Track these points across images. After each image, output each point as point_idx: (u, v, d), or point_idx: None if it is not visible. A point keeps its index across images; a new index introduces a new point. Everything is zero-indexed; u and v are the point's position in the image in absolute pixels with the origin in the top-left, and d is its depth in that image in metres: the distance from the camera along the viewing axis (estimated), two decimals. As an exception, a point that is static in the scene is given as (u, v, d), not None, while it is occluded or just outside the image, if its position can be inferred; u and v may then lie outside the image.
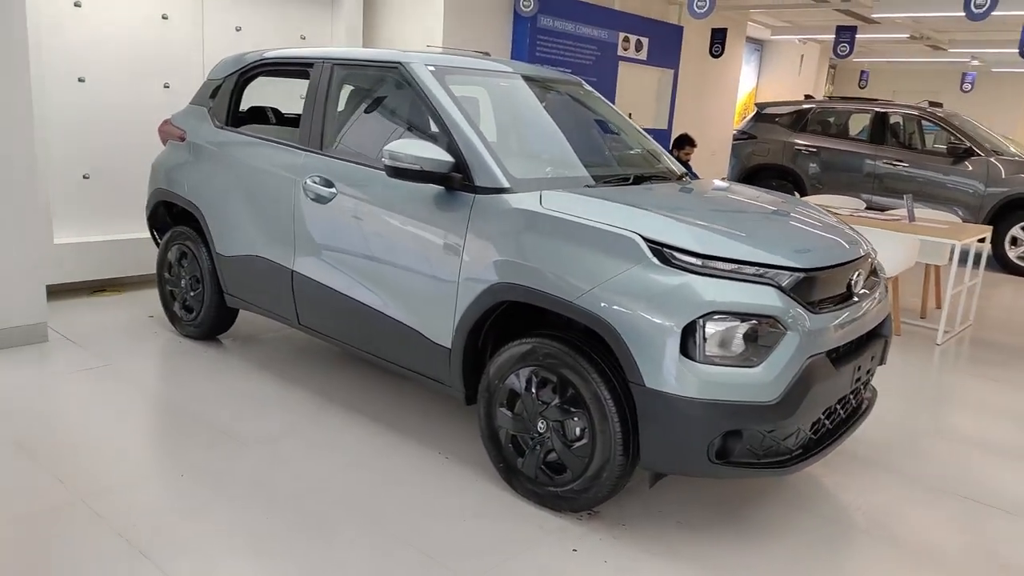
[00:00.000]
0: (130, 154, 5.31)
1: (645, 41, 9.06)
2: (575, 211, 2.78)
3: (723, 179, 8.43)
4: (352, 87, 3.89)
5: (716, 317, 2.48)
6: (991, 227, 6.71)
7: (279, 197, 3.75)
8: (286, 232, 3.73)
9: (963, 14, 6.95)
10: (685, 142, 8.36)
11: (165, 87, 5.50)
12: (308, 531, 2.69)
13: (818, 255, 2.79)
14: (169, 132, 4.49)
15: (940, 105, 10.00)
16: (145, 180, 4.68)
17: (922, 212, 6.52)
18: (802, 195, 8.82)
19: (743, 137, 10.98)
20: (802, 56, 15.43)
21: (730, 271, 2.56)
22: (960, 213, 8.39)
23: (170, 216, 4.62)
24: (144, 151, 4.89)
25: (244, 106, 4.41)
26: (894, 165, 9.50)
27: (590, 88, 4.27)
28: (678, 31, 9.65)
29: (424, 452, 3.32)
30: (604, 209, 2.77)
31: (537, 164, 3.48)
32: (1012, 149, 9.34)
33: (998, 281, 8.13)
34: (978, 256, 5.98)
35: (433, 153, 3.00)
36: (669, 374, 2.48)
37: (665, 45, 9.44)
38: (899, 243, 5.36)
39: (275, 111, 4.64)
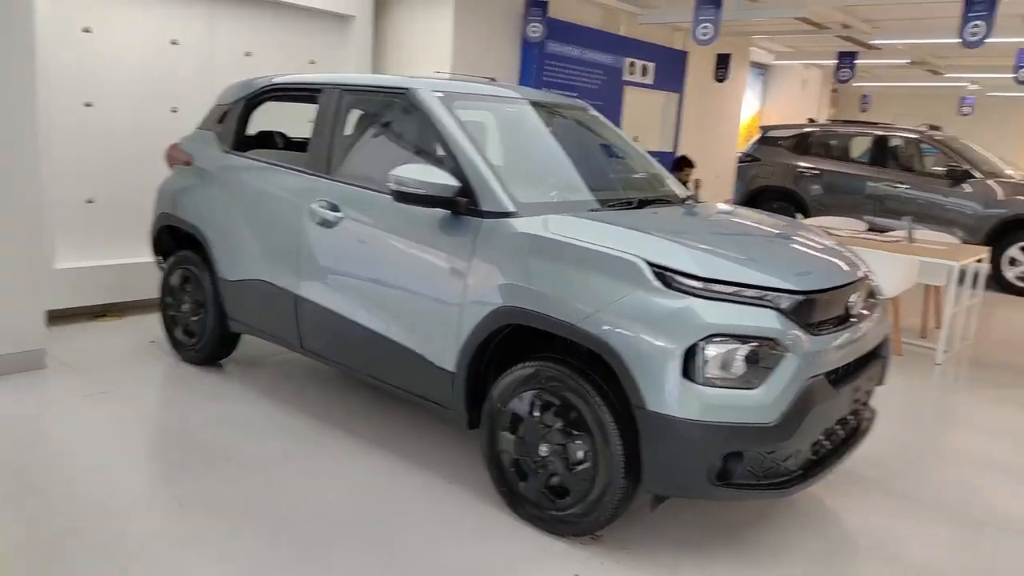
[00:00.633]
0: (135, 179, 5.27)
1: (651, 66, 9.16)
2: (579, 235, 2.81)
3: (726, 202, 8.53)
4: (360, 112, 3.94)
5: (717, 339, 2.51)
6: (989, 247, 6.74)
7: (285, 221, 3.78)
8: (291, 256, 3.74)
9: (959, 40, 7.03)
10: (683, 163, 8.68)
11: (172, 111, 5.52)
12: (310, 557, 2.69)
13: (817, 278, 2.83)
14: (176, 156, 4.51)
15: (939, 128, 10.09)
16: (149, 205, 4.66)
17: (921, 233, 6.56)
18: (806, 217, 8.88)
19: (747, 160, 11.08)
20: (804, 80, 15.55)
21: (731, 294, 2.60)
22: (959, 234, 8.44)
23: (175, 240, 4.57)
24: (149, 176, 4.85)
25: (251, 130, 4.45)
26: (894, 187, 9.57)
27: (595, 112, 4.32)
28: (683, 56, 9.76)
29: (426, 476, 3.32)
30: (608, 233, 2.80)
31: (542, 188, 3.51)
32: (1009, 171, 9.41)
33: (996, 301, 8.15)
34: (976, 276, 6.01)
35: (439, 178, 3.04)
36: (671, 396, 2.51)
37: (670, 70, 9.55)
38: (899, 264, 5.40)
39: (282, 135, 4.67)
